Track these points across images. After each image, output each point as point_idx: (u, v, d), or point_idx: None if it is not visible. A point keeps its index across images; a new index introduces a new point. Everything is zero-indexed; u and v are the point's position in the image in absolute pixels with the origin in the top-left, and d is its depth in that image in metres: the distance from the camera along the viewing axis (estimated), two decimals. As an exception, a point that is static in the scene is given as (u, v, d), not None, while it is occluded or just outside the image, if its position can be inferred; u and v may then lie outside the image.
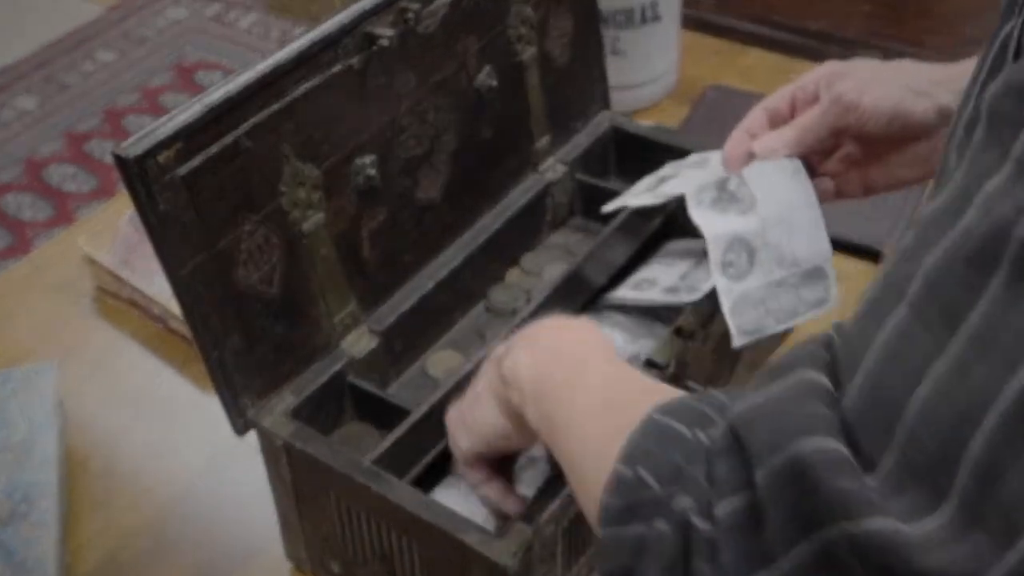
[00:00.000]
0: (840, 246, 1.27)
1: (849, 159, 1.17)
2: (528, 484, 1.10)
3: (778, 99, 1.18)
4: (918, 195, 1.48)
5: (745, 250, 1.13)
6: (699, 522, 0.65)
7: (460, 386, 1.13)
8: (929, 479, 0.55)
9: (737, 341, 1.13)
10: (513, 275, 1.37)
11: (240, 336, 1.07)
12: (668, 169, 1.30)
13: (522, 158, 1.37)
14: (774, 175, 1.14)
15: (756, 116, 1.19)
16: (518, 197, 1.36)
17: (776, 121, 1.19)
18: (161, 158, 0.95)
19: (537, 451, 1.11)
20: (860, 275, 1.46)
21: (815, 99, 1.15)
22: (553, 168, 1.40)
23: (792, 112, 1.17)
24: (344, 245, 1.15)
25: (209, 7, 4.43)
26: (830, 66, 1.15)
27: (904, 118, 1.09)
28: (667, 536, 0.66)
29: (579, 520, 1.07)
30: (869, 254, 1.48)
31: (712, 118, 1.76)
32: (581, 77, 1.43)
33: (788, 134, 1.15)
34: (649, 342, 1.24)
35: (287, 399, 1.11)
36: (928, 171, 1.12)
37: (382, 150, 1.17)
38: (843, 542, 0.57)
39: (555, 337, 0.96)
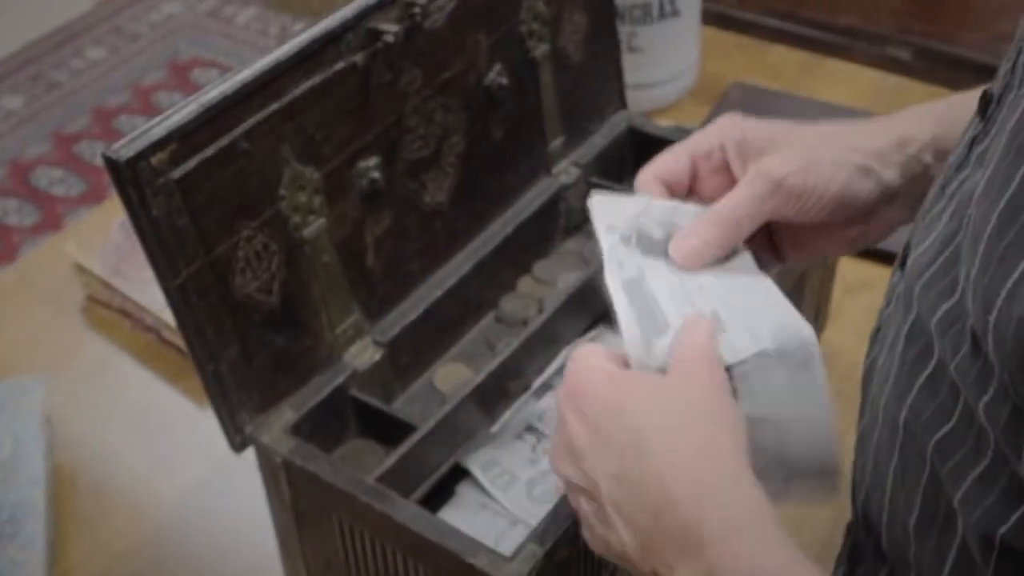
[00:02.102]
0: (866, 253, 1.27)
1: (760, 235, 1.03)
2: (542, 499, 1.11)
3: (672, 165, 1.03)
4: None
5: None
6: None
7: (468, 401, 1.13)
8: None
9: None
10: (525, 284, 1.37)
11: (237, 348, 1.07)
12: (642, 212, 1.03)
13: (534, 161, 1.38)
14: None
15: (648, 188, 1.04)
16: (530, 201, 1.36)
17: (676, 193, 1.04)
18: (154, 160, 0.96)
19: (547, 464, 1.12)
20: (886, 282, 1.46)
21: (722, 166, 1.01)
22: (567, 171, 1.40)
23: (693, 182, 1.03)
24: (347, 252, 1.16)
25: (205, 2, 4.44)
26: (736, 126, 1.02)
27: (847, 204, 0.97)
28: None
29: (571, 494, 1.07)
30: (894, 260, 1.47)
31: (735, 118, 1.76)
32: (596, 75, 1.43)
33: (712, 232, 0.96)
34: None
35: (287, 414, 1.11)
36: (854, 250, 1.04)
37: (387, 152, 1.17)
38: None
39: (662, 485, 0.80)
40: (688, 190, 1.03)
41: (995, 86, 0.82)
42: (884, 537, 0.85)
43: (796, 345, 0.89)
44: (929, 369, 0.77)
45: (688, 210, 1.01)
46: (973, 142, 0.81)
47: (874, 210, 0.99)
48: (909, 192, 0.99)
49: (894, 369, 0.82)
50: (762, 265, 0.99)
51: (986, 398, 0.69)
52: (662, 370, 0.87)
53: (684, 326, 0.89)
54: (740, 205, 0.96)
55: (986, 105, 0.82)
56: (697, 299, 0.93)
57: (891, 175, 0.97)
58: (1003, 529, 0.71)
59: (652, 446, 0.81)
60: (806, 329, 0.90)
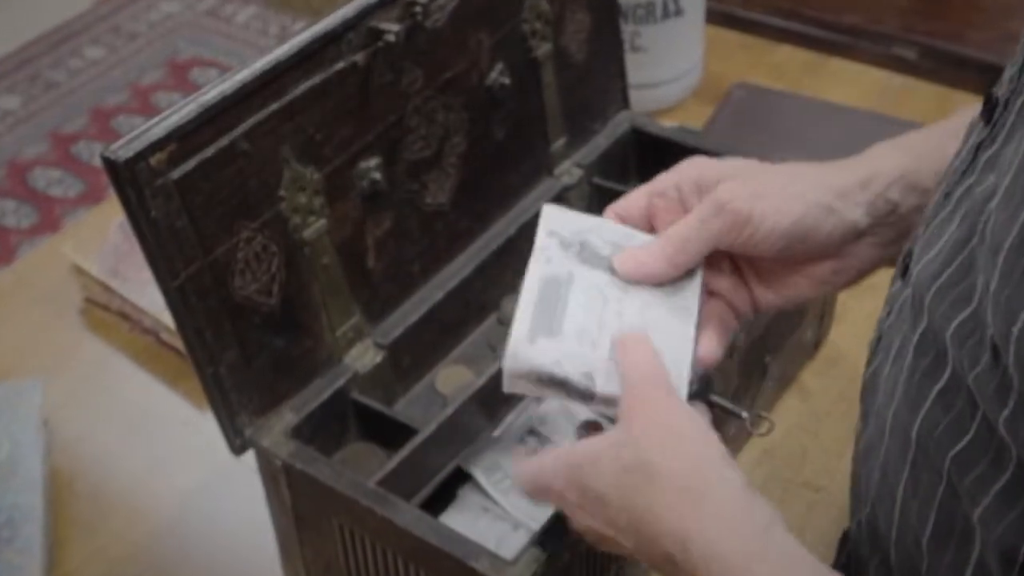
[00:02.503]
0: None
1: (731, 275, 1.02)
2: (514, 506, 1.11)
3: (630, 203, 1.03)
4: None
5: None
6: None
7: (470, 403, 1.13)
8: None
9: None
10: (527, 285, 1.37)
11: (237, 350, 1.07)
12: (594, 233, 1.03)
13: (536, 161, 1.38)
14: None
15: None
16: (532, 202, 1.36)
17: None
18: (153, 161, 0.96)
19: (512, 468, 1.12)
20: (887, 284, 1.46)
21: (679, 204, 1.00)
22: (569, 172, 1.40)
23: (651, 222, 1.02)
24: (347, 253, 1.16)
25: (204, 1, 4.44)
26: (695, 165, 1.01)
27: (805, 239, 0.95)
28: None
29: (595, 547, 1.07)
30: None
31: (739, 118, 1.76)
32: (599, 75, 1.43)
33: (658, 250, 0.97)
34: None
35: (287, 417, 1.11)
36: (830, 289, 1.02)
37: (388, 152, 1.17)
38: None
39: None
40: (648, 230, 1.02)
41: (1000, 90, 0.81)
42: (893, 552, 0.85)
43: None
44: (943, 381, 0.76)
45: (640, 237, 1.01)
46: (979, 148, 0.80)
47: (841, 248, 0.98)
48: (879, 231, 0.98)
49: (902, 380, 0.82)
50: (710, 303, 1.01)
51: (1007, 412, 0.69)
52: (529, 374, 0.91)
53: (622, 345, 0.92)
54: (685, 225, 0.97)
55: (991, 110, 0.81)
56: (608, 322, 0.94)
57: (855, 213, 0.96)
58: None
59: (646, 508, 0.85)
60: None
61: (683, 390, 0.91)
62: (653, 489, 0.83)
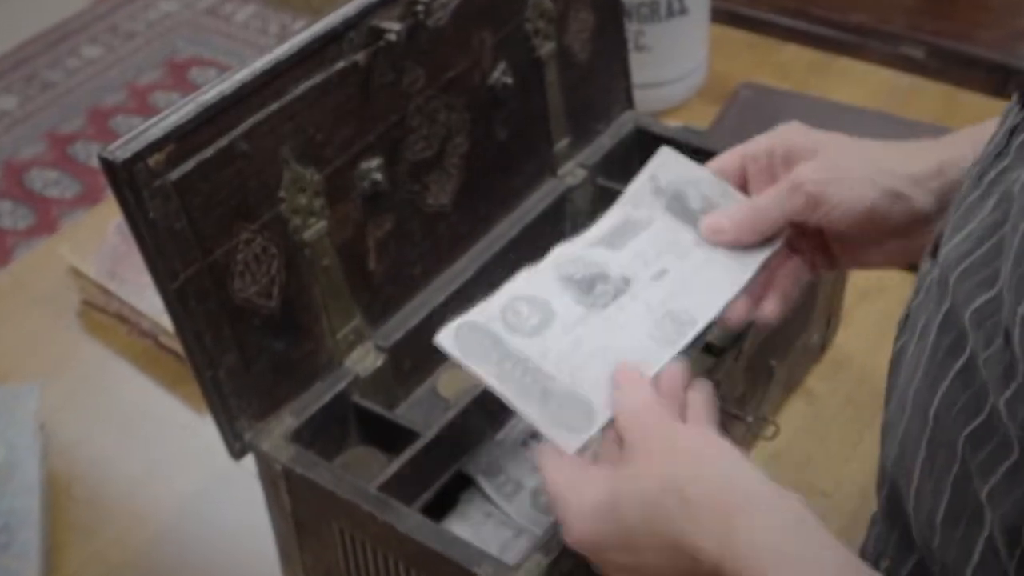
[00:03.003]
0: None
1: (816, 237, 1.10)
2: (547, 508, 1.11)
3: (725, 164, 1.12)
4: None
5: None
6: None
7: (472, 407, 1.13)
8: None
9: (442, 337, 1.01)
10: (530, 288, 1.37)
11: (236, 353, 1.07)
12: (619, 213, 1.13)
13: (540, 162, 1.38)
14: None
15: None
16: (535, 204, 1.36)
17: None
18: (151, 162, 0.96)
19: (515, 473, 1.12)
20: (898, 287, 1.46)
21: (768, 170, 1.09)
22: (573, 172, 1.40)
23: (743, 183, 1.11)
24: (348, 255, 1.16)
25: (203, -1, 4.45)
26: (787, 132, 1.10)
27: (875, 222, 1.03)
28: None
29: None
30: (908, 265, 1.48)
31: (745, 118, 1.76)
32: (603, 75, 1.43)
33: (739, 215, 1.07)
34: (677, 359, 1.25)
35: (287, 421, 1.11)
36: (905, 260, 1.09)
37: (389, 153, 1.17)
38: None
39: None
40: (741, 189, 1.11)
41: None
42: (913, 528, 0.86)
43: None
44: (962, 360, 0.78)
45: (736, 197, 1.10)
46: (1013, 131, 0.81)
47: (909, 230, 1.04)
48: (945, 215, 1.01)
49: (925, 358, 0.83)
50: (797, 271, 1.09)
51: (1008, 393, 0.71)
52: (575, 262, 1.05)
53: (620, 380, 0.97)
54: (765, 198, 1.06)
55: None
56: (666, 256, 1.06)
57: (925, 200, 1.02)
58: None
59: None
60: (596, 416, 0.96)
61: (691, 333, 1.01)
62: (683, 516, 0.86)
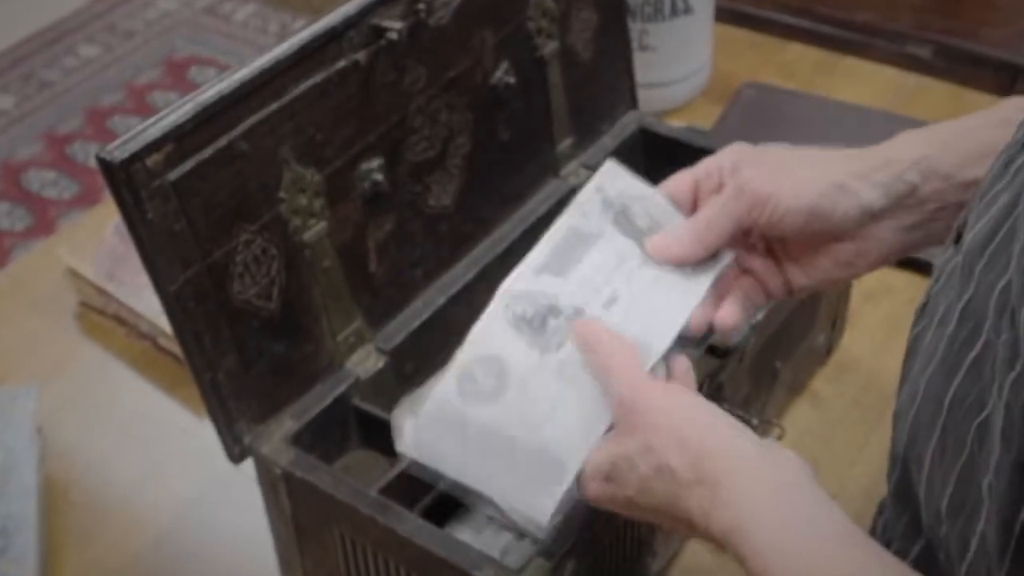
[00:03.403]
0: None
1: (765, 256, 1.08)
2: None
3: (677, 185, 1.10)
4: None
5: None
6: None
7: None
8: None
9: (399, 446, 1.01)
10: (532, 289, 1.37)
11: (236, 356, 1.07)
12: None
13: (542, 162, 1.38)
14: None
15: None
16: (538, 205, 1.36)
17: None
18: (150, 162, 0.96)
19: None
20: (905, 288, 1.46)
21: (719, 188, 1.07)
22: (576, 173, 1.40)
23: (694, 204, 1.09)
24: (349, 257, 1.16)
25: (201, -2, 4.45)
26: (736, 150, 1.08)
27: (822, 218, 1.01)
28: None
29: (602, 556, 1.07)
30: (915, 266, 1.47)
31: (749, 118, 1.76)
32: (606, 74, 1.43)
33: (684, 234, 1.05)
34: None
35: (287, 424, 1.11)
36: (857, 272, 1.07)
37: (390, 153, 1.17)
38: None
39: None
40: (691, 209, 1.09)
41: None
42: (923, 514, 0.87)
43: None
44: (976, 350, 0.79)
45: (679, 219, 1.07)
46: None
47: (860, 230, 1.03)
48: (899, 214, 1.02)
49: (942, 346, 0.84)
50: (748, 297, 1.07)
51: (1012, 375, 0.71)
52: (526, 297, 1.01)
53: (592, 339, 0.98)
54: (709, 207, 1.05)
55: None
56: (615, 282, 1.03)
57: (871, 194, 1.01)
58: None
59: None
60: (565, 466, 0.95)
61: (651, 360, 0.98)
62: (672, 485, 0.88)
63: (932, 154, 1.00)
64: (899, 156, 1.01)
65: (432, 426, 0.99)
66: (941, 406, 0.82)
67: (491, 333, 1.00)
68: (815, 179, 1.01)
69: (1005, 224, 0.78)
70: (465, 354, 1.00)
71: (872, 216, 1.01)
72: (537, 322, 0.99)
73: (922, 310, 0.93)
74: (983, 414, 0.76)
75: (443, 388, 1.00)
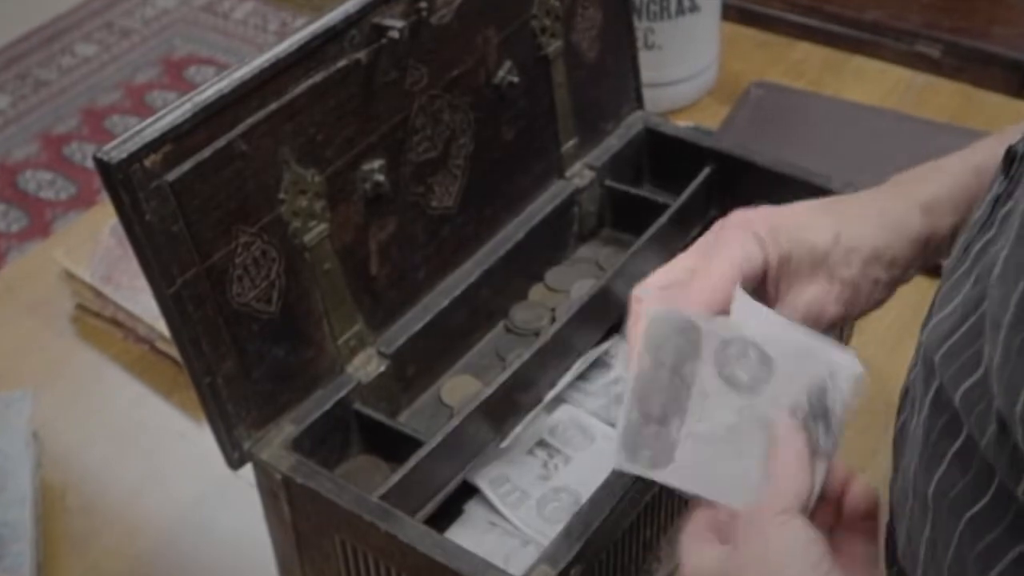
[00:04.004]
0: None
1: None
2: (553, 518, 1.11)
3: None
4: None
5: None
6: None
7: (477, 414, 1.13)
8: None
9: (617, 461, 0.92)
10: (537, 292, 1.37)
11: (235, 360, 1.07)
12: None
13: (547, 163, 1.38)
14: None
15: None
16: (542, 206, 1.36)
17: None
18: (147, 163, 0.96)
19: (559, 481, 1.12)
20: (913, 293, 1.45)
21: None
22: (581, 174, 1.40)
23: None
24: (350, 259, 1.16)
25: (200, -4, 4.46)
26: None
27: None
28: None
29: (606, 562, 1.07)
30: (924, 270, 1.47)
31: (757, 118, 1.76)
32: (612, 73, 1.43)
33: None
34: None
35: (287, 429, 1.11)
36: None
37: (392, 154, 1.17)
38: None
39: None
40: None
41: (1020, 144, 0.82)
42: None
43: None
44: (959, 442, 0.77)
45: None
46: (996, 201, 0.80)
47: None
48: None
49: (921, 437, 0.82)
50: None
51: None
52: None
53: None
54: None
55: (1010, 163, 0.82)
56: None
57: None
58: None
59: None
60: None
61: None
62: None
63: (881, 247, 1.01)
64: (858, 249, 1.01)
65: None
66: (927, 500, 0.80)
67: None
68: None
69: (969, 319, 0.76)
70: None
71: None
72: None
73: (905, 396, 0.91)
74: (975, 507, 0.74)
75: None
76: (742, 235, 0.98)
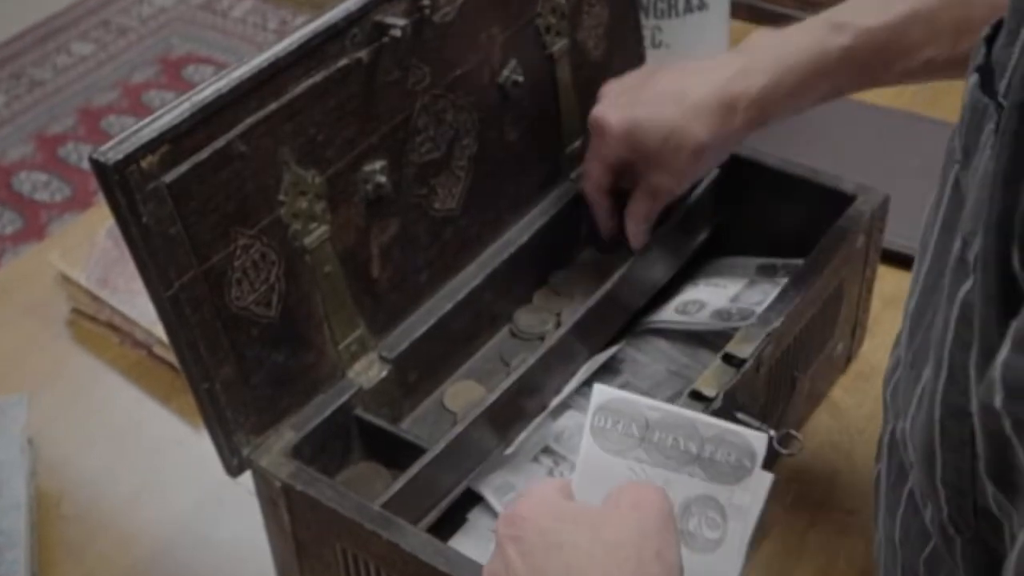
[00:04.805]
0: (906, 262, 1.27)
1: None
2: None
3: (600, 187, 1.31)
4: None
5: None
6: None
7: (480, 421, 1.13)
8: None
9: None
10: (541, 296, 1.37)
11: (234, 365, 1.07)
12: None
13: (551, 164, 1.38)
14: None
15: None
16: (547, 208, 1.36)
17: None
18: (144, 164, 0.96)
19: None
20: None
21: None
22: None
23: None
24: (351, 262, 1.16)
25: (198, -6, 4.46)
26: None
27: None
28: None
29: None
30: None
31: (765, 118, 1.75)
32: (618, 72, 1.43)
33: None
34: (694, 371, 1.24)
35: (287, 436, 1.11)
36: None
37: (394, 155, 1.17)
38: None
39: None
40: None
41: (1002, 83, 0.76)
42: None
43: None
44: (909, 484, 0.77)
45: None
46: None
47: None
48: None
49: (883, 483, 0.83)
50: None
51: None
52: None
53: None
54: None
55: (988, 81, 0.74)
56: None
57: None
58: None
59: None
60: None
61: None
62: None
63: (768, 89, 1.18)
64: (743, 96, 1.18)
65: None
66: (894, 543, 0.81)
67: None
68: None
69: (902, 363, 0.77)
70: None
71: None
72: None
73: (880, 444, 0.92)
74: (926, 550, 0.75)
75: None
76: None
